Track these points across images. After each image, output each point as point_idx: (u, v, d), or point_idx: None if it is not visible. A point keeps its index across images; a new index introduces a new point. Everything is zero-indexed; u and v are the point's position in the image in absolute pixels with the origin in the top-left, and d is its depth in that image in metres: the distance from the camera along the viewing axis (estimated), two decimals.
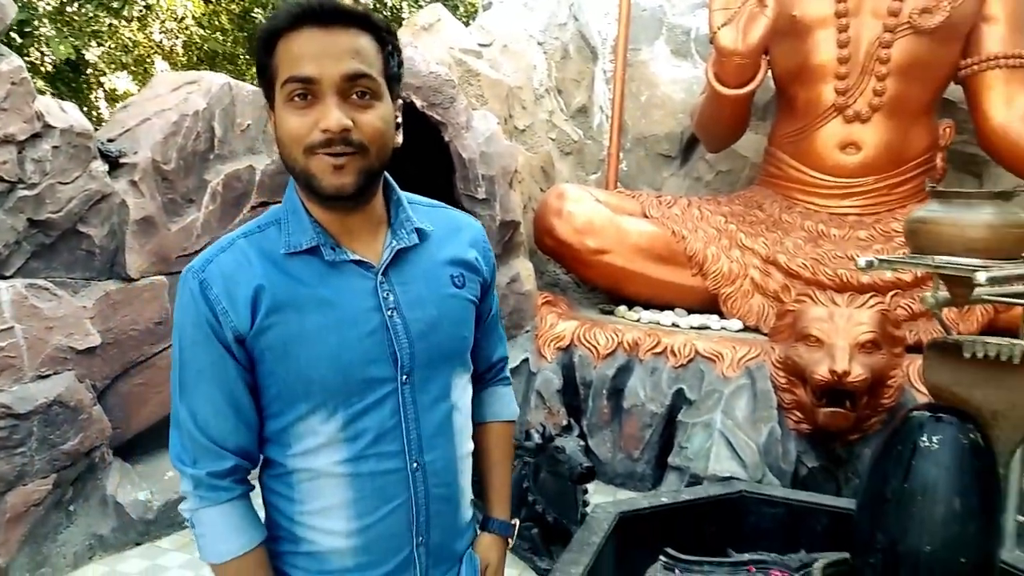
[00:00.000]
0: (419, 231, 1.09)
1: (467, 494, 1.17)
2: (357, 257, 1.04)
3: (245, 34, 8.51)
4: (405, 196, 1.12)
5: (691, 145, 5.37)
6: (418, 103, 3.64)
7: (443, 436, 1.09)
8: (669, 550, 2.45)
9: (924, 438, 2.05)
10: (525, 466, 3.08)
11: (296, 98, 0.95)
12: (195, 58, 9.11)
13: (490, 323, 1.24)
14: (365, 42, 0.98)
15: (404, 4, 8.12)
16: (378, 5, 8.35)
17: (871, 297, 3.51)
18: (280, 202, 1.09)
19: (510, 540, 1.27)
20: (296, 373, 1.01)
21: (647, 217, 4.16)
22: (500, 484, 1.29)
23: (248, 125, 3.24)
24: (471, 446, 1.17)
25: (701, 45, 5.40)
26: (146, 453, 3.01)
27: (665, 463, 3.48)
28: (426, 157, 4.12)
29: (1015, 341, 2.10)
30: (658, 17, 5.47)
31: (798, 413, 3.36)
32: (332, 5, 0.96)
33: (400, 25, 8.52)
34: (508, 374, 1.32)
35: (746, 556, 2.50)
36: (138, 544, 2.84)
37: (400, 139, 1.04)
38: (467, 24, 5.16)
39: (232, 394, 1.02)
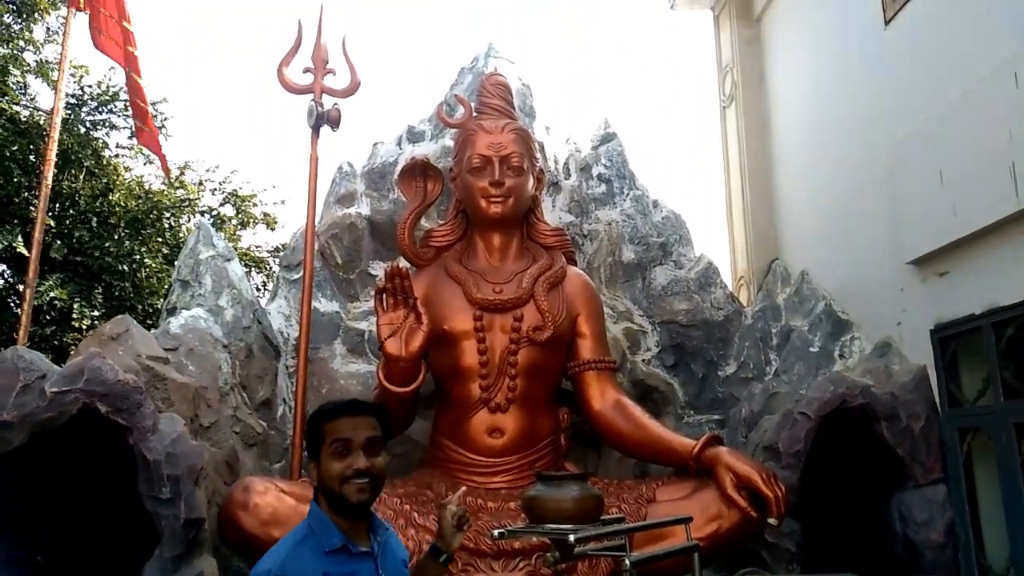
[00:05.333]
0: (389, 534, 1.95)
1: None
2: (365, 550, 1.84)
3: None
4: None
5: None
6: (103, 409, 3.77)
7: None
8: None
9: None
10: None
11: (337, 452, 1.79)
12: None
13: None
14: (375, 421, 1.88)
15: (75, 305, 8.09)
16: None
17: (520, 560, 4.19)
18: None
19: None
20: None
21: None
22: None
23: None
24: None
25: (373, 345, 6.24)
26: None
27: None
28: (107, 460, 4.14)
29: None
30: (335, 322, 6.29)
31: None
32: (359, 402, 1.97)
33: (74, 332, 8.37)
34: None
35: None
36: None
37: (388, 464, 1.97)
38: (150, 328, 5.42)
39: None
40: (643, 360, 6.27)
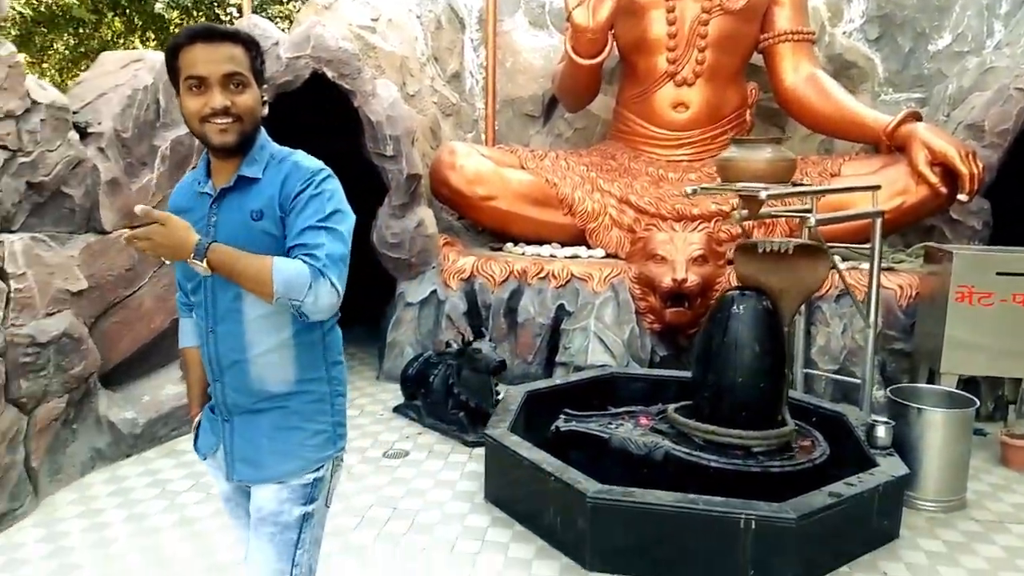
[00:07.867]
0: (241, 178, 1.52)
1: (260, 370, 1.56)
2: (209, 190, 1.54)
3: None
4: (276, 151, 1.55)
5: (552, 106, 6.21)
6: (329, 74, 4.20)
7: (232, 318, 1.53)
8: (567, 410, 3.32)
9: (735, 307, 3.02)
10: (449, 368, 3.85)
11: (193, 88, 1.46)
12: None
13: (296, 233, 1.48)
14: (237, 51, 1.46)
15: None
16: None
17: (700, 224, 4.52)
18: None
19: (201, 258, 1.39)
20: None
21: (524, 168, 4.96)
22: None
23: None
24: (271, 342, 1.55)
25: (554, 17, 6.21)
26: (124, 381, 3.49)
27: (553, 364, 4.36)
28: (333, 122, 4.70)
29: (789, 240, 3.10)
30: None
31: (651, 315, 4.34)
32: (213, 28, 1.47)
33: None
34: (305, 256, 1.45)
35: (621, 409, 3.42)
36: (129, 456, 3.36)
37: (266, 111, 1.54)
38: None
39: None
40: (844, 32, 5.83)
